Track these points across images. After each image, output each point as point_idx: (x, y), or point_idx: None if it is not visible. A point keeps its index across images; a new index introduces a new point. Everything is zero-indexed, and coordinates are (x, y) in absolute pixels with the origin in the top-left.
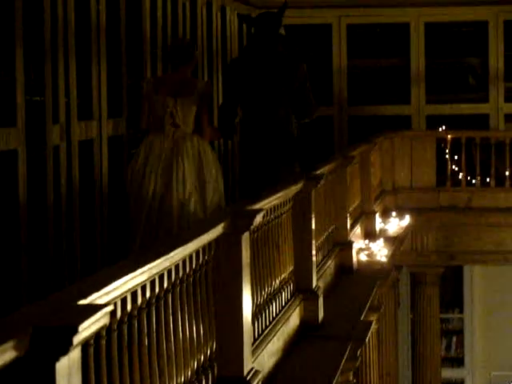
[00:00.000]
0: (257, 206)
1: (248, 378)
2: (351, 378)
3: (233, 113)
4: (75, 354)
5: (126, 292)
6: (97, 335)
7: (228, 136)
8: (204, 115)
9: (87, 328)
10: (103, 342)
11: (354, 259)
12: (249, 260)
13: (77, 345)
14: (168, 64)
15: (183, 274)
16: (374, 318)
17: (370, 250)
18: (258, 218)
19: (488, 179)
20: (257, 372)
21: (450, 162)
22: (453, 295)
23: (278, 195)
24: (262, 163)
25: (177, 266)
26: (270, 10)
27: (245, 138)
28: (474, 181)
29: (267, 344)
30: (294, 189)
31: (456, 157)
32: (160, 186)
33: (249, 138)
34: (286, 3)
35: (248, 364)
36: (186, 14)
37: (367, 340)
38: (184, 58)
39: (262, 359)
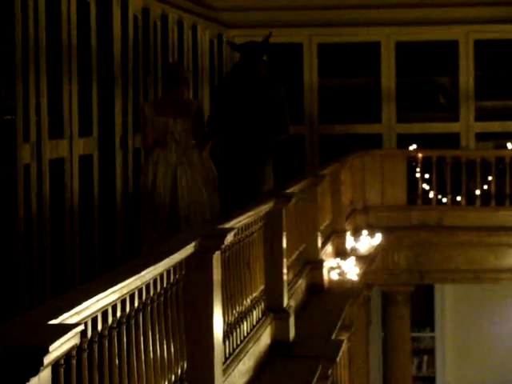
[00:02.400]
0: (228, 225)
1: None
2: None
3: (219, 126)
4: (45, 374)
5: (97, 311)
6: (67, 355)
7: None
8: (200, 130)
9: (58, 348)
10: (74, 361)
11: (325, 278)
12: (220, 279)
13: (47, 365)
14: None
15: (154, 294)
16: (344, 336)
17: (341, 269)
18: (229, 237)
19: (459, 198)
20: None
21: (420, 181)
22: (424, 314)
23: (249, 214)
24: (242, 175)
25: (148, 286)
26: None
27: (226, 151)
28: (444, 199)
29: (238, 363)
30: (264, 208)
31: (427, 175)
32: (168, 196)
33: (230, 149)
34: (270, 34)
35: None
36: (157, 33)
37: (338, 359)
38: (175, 81)
39: (233, 379)
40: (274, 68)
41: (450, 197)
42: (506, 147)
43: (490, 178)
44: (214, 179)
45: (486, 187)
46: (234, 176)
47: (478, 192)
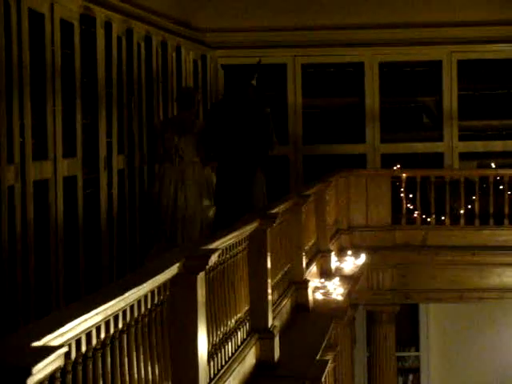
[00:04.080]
0: (212, 246)
1: None
2: None
3: (214, 144)
4: None
5: (81, 333)
6: (51, 377)
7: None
8: (202, 148)
9: (41, 370)
10: (58, 383)
11: (310, 298)
12: (204, 300)
13: None
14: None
15: (138, 315)
16: (330, 356)
17: (325, 289)
18: (213, 258)
19: (443, 217)
20: None
21: (405, 201)
22: (409, 333)
23: (234, 234)
24: (237, 186)
25: (132, 307)
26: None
27: (221, 167)
28: (429, 219)
29: None
30: (249, 228)
31: (411, 195)
32: (171, 205)
33: (224, 166)
34: (259, 61)
35: None
36: (141, 54)
37: (323, 379)
38: (185, 104)
39: None
40: (260, 90)
41: (434, 216)
42: (490, 167)
43: (473, 198)
44: (212, 193)
45: (469, 206)
46: (229, 189)
47: (462, 211)
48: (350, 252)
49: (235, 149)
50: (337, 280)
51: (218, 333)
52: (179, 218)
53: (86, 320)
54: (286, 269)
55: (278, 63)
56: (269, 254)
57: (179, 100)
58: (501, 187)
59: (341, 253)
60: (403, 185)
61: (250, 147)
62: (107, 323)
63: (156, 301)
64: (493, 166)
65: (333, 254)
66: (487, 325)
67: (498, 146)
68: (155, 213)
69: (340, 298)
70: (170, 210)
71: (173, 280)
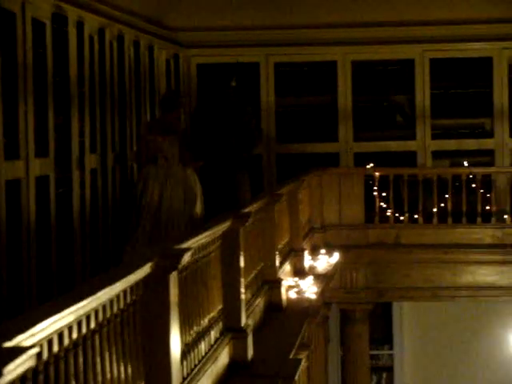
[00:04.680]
0: (185, 245)
1: None
2: None
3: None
4: None
5: (53, 333)
6: (22, 378)
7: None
8: (185, 149)
9: (12, 371)
10: None
11: (284, 297)
12: (177, 299)
13: None
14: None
15: (111, 315)
16: (303, 355)
17: (299, 288)
18: (186, 258)
19: (416, 216)
20: None
21: (378, 199)
22: (382, 332)
23: (206, 234)
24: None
25: (104, 307)
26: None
27: (207, 168)
28: (402, 217)
29: (196, 383)
30: (222, 227)
31: (384, 194)
32: (153, 207)
33: (210, 166)
34: (237, 61)
35: None
36: (114, 53)
37: (296, 378)
38: (169, 107)
39: None
40: (241, 90)
41: (407, 215)
42: (463, 165)
43: (446, 196)
44: (196, 192)
45: (442, 205)
46: (215, 189)
47: (434, 210)
48: (323, 251)
49: (220, 149)
50: (310, 279)
51: (191, 332)
52: (163, 218)
53: (57, 320)
54: (259, 268)
55: (251, 62)
56: (242, 253)
57: (163, 103)
58: (473, 186)
59: (314, 251)
60: (376, 183)
61: (235, 147)
62: (79, 323)
63: (128, 300)
64: (465, 164)
65: (306, 252)
66: (460, 323)
67: (470, 144)
68: (137, 213)
69: (313, 296)
70: (153, 211)
71: (145, 279)
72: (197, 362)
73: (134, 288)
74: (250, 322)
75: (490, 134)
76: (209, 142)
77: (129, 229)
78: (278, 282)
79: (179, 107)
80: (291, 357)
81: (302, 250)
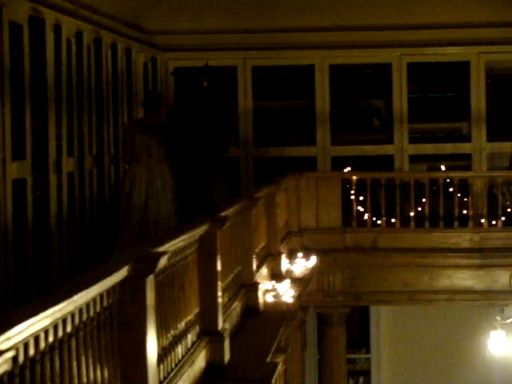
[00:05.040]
0: (161, 249)
1: None
2: None
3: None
4: None
5: (29, 337)
6: None
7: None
8: (166, 148)
9: None
10: None
11: (261, 300)
12: (153, 302)
13: None
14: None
15: (87, 318)
16: (280, 359)
17: (276, 291)
18: (163, 261)
19: (393, 220)
20: None
21: (355, 203)
22: (359, 335)
23: (183, 237)
24: (198, 184)
25: (80, 310)
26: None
27: (182, 169)
28: (379, 221)
29: None
30: (199, 231)
31: (361, 198)
32: (140, 204)
33: (186, 166)
34: (206, 64)
35: None
36: (91, 56)
37: (273, 382)
38: (151, 107)
39: None
40: (213, 90)
41: (384, 219)
42: (440, 169)
43: (423, 200)
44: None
45: (419, 209)
46: (190, 190)
47: (412, 214)
48: (300, 254)
49: (195, 150)
50: (287, 282)
51: (168, 336)
52: (151, 217)
53: (34, 323)
54: (236, 271)
55: (229, 65)
56: (219, 256)
57: (146, 103)
58: (451, 190)
59: (291, 255)
60: (353, 187)
61: (209, 147)
62: (55, 326)
63: (105, 304)
64: (443, 168)
65: (283, 256)
66: (437, 326)
67: (447, 148)
68: (125, 212)
69: (290, 300)
70: (141, 209)
71: (122, 283)
72: (173, 365)
73: (110, 291)
74: (227, 325)
75: (467, 139)
76: (183, 141)
77: (116, 228)
78: (255, 285)
79: (161, 107)
80: (268, 360)
81: (279, 254)
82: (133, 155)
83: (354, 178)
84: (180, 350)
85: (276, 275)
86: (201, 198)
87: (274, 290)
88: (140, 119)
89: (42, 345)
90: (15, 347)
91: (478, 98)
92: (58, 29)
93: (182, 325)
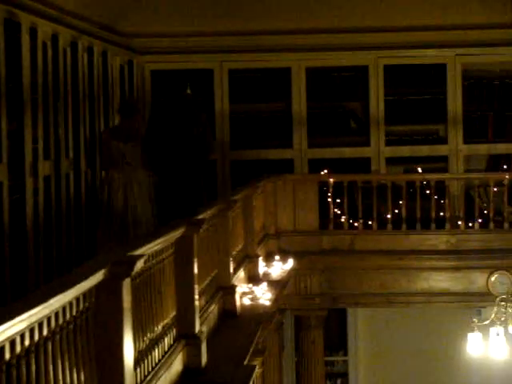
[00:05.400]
0: (138, 252)
1: None
2: None
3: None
4: None
5: (5, 341)
6: None
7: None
8: (145, 153)
9: None
10: None
11: (238, 303)
12: (130, 306)
13: None
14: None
15: (63, 322)
16: (257, 361)
17: (253, 294)
18: (139, 264)
19: (370, 222)
20: None
21: (332, 206)
22: (337, 338)
23: (160, 240)
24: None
25: (56, 314)
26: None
27: (163, 175)
28: (356, 224)
29: None
30: (175, 234)
31: (338, 200)
32: (120, 209)
33: (167, 173)
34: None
35: None
36: (67, 60)
37: None
38: (127, 114)
39: None
40: (196, 98)
41: (361, 221)
42: (416, 171)
43: (400, 202)
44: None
45: (396, 211)
46: (171, 196)
47: (388, 216)
48: (277, 257)
49: (176, 157)
50: (264, 285)
51: (145, 339)
52: (130, 221)
53: (9, 327)
54: (213, 274)
55: (205, 68)
56: (196, 259)
57: (121, 110)
58: (427, 192)
59: (268, 258)
60: (330, 190)
61: (191, 155)
62: (32, 330)
63: (81, 307)
64: (419, 170)
65: (260, 259)
66: (415, 329)
67: (424, 150)
68: (105, 217)
69: (268, 303)
70: (120, 214)
71: (98, 286)
72: (150, 368)
73: (86, 295)
74: (204, 328)
75: (443, 141)
76: (164, 148)
77: (98, 233)
78: (232, 288)
79: (137, 113)
80: (245, 363)
81: (257, 257)
82: (112, 162)
83: (331, 180)
84: (157, 353)
85: (253, 278)
86: (181, 205)
87: (251, 292)
88: (116, 126)
89: (18, 349)
90: None
91: (454, 101)
92: (33, 32)
93: (158, 328)
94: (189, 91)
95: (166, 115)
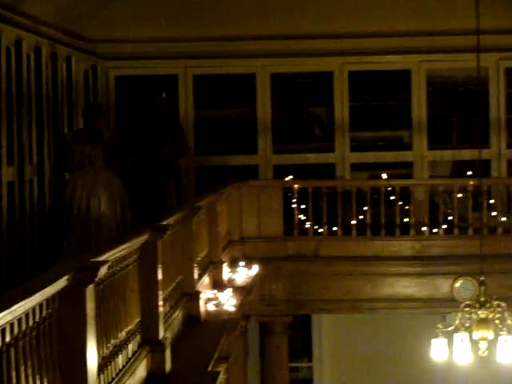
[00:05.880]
0: (102, 258)
1: None
2: None
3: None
4: None
5: None
6: None
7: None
8: (111, 154)
9: None
10: None
11: (202, 309)
12: (93, 312)
13: None
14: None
15: (26, 328)
16: (222, 368)
17: (218, 300)
18: (103, 270)
19: (335, 228)
20: None
21: (297, 212)
22: (302, 344)
23: (124, 246)
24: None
25: (19, 320)
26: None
27: (136, 177)
28: (321, 230)
29: None
30: (139, 240)
31: (303, 206)
32: (84, 208)
33: (140, 175)
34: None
35: None
36: (31, 65)
37: None
38: (91, 117)
39: None
40: (171, 104)
41: (326, 227)
42: (381, 177)
43: (365, 208)
44: (124, 197)
45: (361, 217)
46: (143, 198)
47: (353, 222)
48: (242, 263)
49: (149, 159)
50: (229, 291)
51: (109, 345)
52: (92, 222)
53: None
54: (177, 280)
55: (170, 74)
56: (160, 265)
57: (85, 114)
58: (392, 198)
59: (233, 264)
60: (295, 196)
61: (165, 157)
62: None
63: (44, 314)
64: (384, 176)
65: (225, 265)
66: (380, 334)
67: (388, 156)
68: (67, 218)
69: (232, 309)
70: (83, 216)
71: (62, 293)
72: (114, 375)
73: (50, 301)
74: (168, 334)
75: (408, 147)
76: (137, 150)
77: (60, 235)
78: (197, 294)
79: (100, 117)
80: (210, 369)
81: (221, 263)
82: (76, 164)
83: (296, 186)
84: (121, 359)
85: (218, 284)
86: (154, 207)
87: (215, 298)
88: (80, 129)
89: None
90: None
91: (419, 107)
92: None
93: (122, 334)
94: (164, 95)
95: (142, 118)
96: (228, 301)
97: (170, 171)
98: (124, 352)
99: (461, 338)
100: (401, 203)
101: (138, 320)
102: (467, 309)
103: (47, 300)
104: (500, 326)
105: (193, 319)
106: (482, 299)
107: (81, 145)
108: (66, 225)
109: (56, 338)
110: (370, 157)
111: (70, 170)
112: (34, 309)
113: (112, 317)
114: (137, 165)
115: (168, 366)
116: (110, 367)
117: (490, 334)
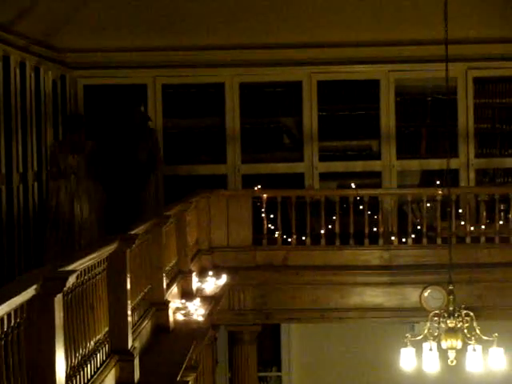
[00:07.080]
0: (70, 267)
1: None
2: None
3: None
4: None
5: None
6: None
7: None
8: (93, 165)
9: None
10: None
11: (171, 319)
12: (62, 322)
13: None
14: None
15: None
16: (191, 377)
17: (186, 310)
18: (71, 280)
19: (304, 237)
20: None
21: (266, 221)
22: (271, 353)
23: (92, 256)
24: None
25: None
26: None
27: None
28: (289, 239)
29: None
30: (108, 249)
31: (272, 215)
32: (67, 215)
33: (117, 183)
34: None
35: None
36: None
37: None
38: (72, 128)
39: None
40: (147, 116)
41: (294, 236)
42: (350, 187)
43: (334, 218)
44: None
45: (330, 227)
46: (120, 205)
47: (322, 231)
48: (211, 272)
49: (127, 169)
50: (198, 301)
51: (77, 355)
52: (75, 229)
53: None
54: (146, 290)
55: (139, 84)
56: (128, 275)
57: (66, 125)
58: (361, 207)
59: (202, 273)
60: (264, 205)
61: (142, 167)
62: None
63: (12, 323)
64: (353, 186)
65: (194, 274)
66: (349, 344)
67: (357, 166)
68: (51, 225)
69: (201, 318)
70: (66, 222)
71: (30, 302)
72: None
73: (18, 311)
74: (137, 344)
75: (377, 156)
76: (118, 162)
77: (44, 241)
78: (166, 304)
79: (82, 127)
80: (178, 379)
81: (190, 272)
82: (60, 173)
83: (265, 195)
84: (89, 369)
85: (186, 293)
86: (129, 214)
87: (184, 308)
88: (63, 140)
89: None
90: None
91: (387, 116)
92: None
93: (91, 344)
94: (142, 108)
95: (120, 130)
96: (197, 310)
97: (146, 181)
98: (93, 361)
99: (429, 347)
100: (369, 213)
101: (106, 329)
102: (436, 318)
103: (15, 310)
104: (468, 336)
105: (161, 329)
106: (451, 308)
107: (63, 155)
108: (49, 230)
109: (24, 348)
110: (339, 166)
111: (54, 178)
112: (1, 318)
113: (81, 326)
114: (113, 171)
115: (137, 375)
116: (78, 377)
117: (458, 344)
